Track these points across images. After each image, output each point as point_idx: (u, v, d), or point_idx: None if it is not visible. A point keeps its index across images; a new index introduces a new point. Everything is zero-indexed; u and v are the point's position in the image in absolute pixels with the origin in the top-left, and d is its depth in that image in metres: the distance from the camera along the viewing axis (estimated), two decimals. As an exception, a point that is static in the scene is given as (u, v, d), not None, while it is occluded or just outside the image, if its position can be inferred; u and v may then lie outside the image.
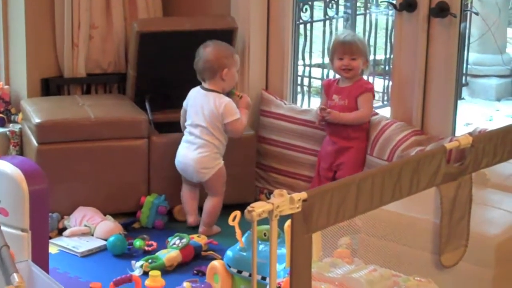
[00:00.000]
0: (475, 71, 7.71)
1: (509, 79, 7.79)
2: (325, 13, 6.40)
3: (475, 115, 7.02)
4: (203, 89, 4.30)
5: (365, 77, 4.45)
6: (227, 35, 4.56)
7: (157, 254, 3.93)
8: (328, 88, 4.41)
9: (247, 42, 4.75)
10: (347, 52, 4.27)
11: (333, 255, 2.81)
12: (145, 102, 4.69)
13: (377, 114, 4.45)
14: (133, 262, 3.87)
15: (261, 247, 3.36)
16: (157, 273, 3.50)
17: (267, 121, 4.71)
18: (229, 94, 4.31)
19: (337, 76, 4.42)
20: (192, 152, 4.26)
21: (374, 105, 6.52)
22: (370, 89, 4.32)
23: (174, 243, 3.97)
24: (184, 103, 4.37)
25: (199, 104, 4.28)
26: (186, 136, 4.31)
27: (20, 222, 3.32)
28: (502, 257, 3.23)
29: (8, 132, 4.68)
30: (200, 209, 4.36)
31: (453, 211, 2.80)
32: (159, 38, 4.59)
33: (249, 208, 2.13)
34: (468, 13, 6.68)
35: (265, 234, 3.39)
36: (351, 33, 4.53)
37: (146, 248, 4.05)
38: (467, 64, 7.39)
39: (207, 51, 4.26)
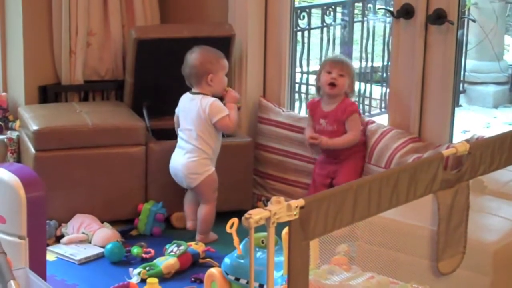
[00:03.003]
0: (473, 78, 7.71)
1: (507, 86, 7.80)
2: (323, 20, 6.41)
3: (473, 122, 7.03)
4: (191, 93, 4.31)
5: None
6: (224, 42, 4.56)
7: (154, 261, 3.93)
8: (313, 110, 4.40)
9: (245, 49, 4.75)
10: (337, 67, 4.28)
11: (330, 262, 2.81)
12: (142, 109, 4.69)
13: (373, 122, 4.45)
14: (130, 269, 3.87)
15: (258, 254, 3.36)
16: (155, 280, 3.50)
17: (265, 128, 4.71)
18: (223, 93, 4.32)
19: (321, 93, 4.37)
20: (182, 157, 4.26)
21: (372, 112, 6.60)
22: (355, 110, 4.31)
23: (172, 251, 3.97)
24: (176, 110, 4.37)
25: (187, 109, 4.29)
26: (178, 142, 4.32)
27: (17, 229, 3.32)
28: (499, 264, 3.23)
29: (5, 139, 4.68)
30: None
31: (450, 218, 2.80)
32: (157, 45, 4.59)
33: (246, 215, 2.13)
34: (466, 20, 6.70)
35: (262, 242, 3.39)
36: (343, 56, 4.57)
37: (144, 255, 4.05)
38: (464, 71, 7.40)
39: (192, 57, 4.27)
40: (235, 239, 3.31)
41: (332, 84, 4.27)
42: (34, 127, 4.33)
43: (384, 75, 6.88)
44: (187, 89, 4.34)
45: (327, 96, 4.32)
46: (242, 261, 3.48)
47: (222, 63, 4.29)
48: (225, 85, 4.30)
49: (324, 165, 4.37)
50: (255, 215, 2.13)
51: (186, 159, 4.24)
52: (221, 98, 4.32)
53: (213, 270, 3.61)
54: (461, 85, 7.37)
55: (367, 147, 4.32)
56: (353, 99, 4.54)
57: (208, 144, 4.24)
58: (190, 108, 4.27)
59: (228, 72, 4.49)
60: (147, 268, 3.86)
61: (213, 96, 4.28)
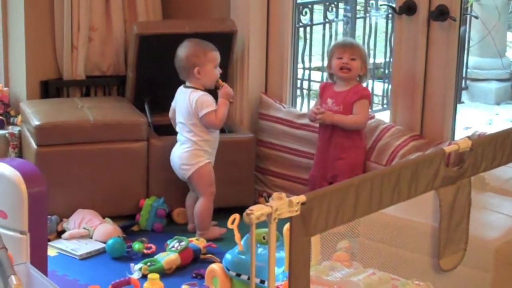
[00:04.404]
0: (475, 75, 7.69)
1: (509, 83, 7.78)
2: (325, 16, 6.40)
3: (475, 119, 7.02)
4: (184, 87, 4.32)
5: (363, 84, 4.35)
6: (226, 38, 4.56)
7: (156, 257, 3.93)
8: (323, 91, 4.31)
9: (247, 45, 4.75)
10: (347, 51, 4.17)
11: (332, 258, 2.80)
12: (144, 105, 4.69)
13: (373, 117, 4.43)
14: (132, 265, 3.87)
15: (260, 250, 3.36)
16: (156, 276, 3.50)
17: (266, 125, 4.70)
18: (216, 85, 4.29)
19: (335, 79, 4.29)
20: (178, 149, 4.29)
21: (374, 109, 6.58)
22: (367, 96, 4.22)
23: (173, 246, 3.97)
24: (172, 103, 4.38)
25: (180, 102, 4.31)
26: (177, 134, 4.35)
27: (19, 224, 3.32)
28: (501, 261, 3.23)
29: (7, 134, 4.68)
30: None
31: (452, 214, 2.79)
32: (159, 41, 4.59)
33: (247, 211, 2.13)
34: (468, 16, 6.68)
35: (264, 237, 3.39)
36: (351, 38, 4.50)
37: (145, 251, 4.05)
38: (466, 67, 7.38)
39: (180, 51, 4.29)
40: (237, 235, 3.31)
41: (345, 68, 4.17)
42: (35, 122, 4.33)
43: (386, 71, 6.87)
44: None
45: (340, 80, 4.23)
46: (243, 257, 3.48)
47: (209, 55, 4.27)
48: (215, 78, 4.27)
49: (321, 169, 4.29)
50: (257, 211, 2.12)
51: (181, 150, 4.27)
52: (210, 91, 4.31)
53: (214, 266, 3.61)
54: (463, 81, 7.35)
55: (367, 145, 4.29)
56: (368, 80, 4.42)
57: (200, 136, 4.24)
58: (181, 102, 4.29)
59: (230, 67, 4.49)
60: (148, 263, 3.86)
61: (205, 88, 4.28)
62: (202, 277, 3.78)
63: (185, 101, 4.26)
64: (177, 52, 4.30)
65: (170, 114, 4.40)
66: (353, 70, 4.19)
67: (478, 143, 2.80)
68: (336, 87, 4.27)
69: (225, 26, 4.66)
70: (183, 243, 3.96)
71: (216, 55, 4.30)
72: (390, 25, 6.58)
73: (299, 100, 6.12)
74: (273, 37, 4.80)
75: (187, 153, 4.25)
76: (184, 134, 4.27)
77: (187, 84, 4.31)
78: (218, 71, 4.30)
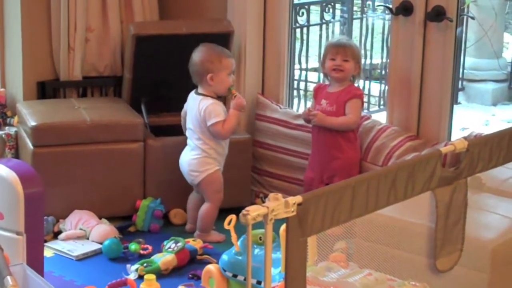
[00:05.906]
0: (471, 76, 7.70)
1: (505, 84, 7.79)
2: (322, 17, 6.40)
3: (471, 120, 7.02)
4: (195, 93, 4.30)
5: (356, 84, 4.35)
6: (223, 39, 4.55)
7: (152, 257, 3.93)
8: (317, 92, 4.32)
9: (243, 45, 4.75)
10: (340, 52, 4.17)
11: (328, 259, 2.80)
12: (141, 105, 4.69)
13: (369, 118, 4.43)
14: (128, 265, 3.87)
15: (256, 251, 3.36)
16: (152, 277, 3.50)
17: (263, 125, 4.70)
18: (228, 93, 4.28)
19: (329, 78, 4.29)
20: (187, 154, 4.28)
21: (371, 110, 6.58)
22: (359, 95, 4.22)
23: (170, 247, 3.97)
24: (185, 105, 4.37)
25: (190, 108, 4.29)
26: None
27: (15, 225, 3.32)
28: (497, 262, 3.23)
29: (3, 135, 4.67)
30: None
31: (448, 215, 2.79)
32: (155, 42, 4.59)
33: (244, 211, 2.13)
34: (465, 17, 6.68)
35: (260, 238, 3.39)
36: (345, 37, 4.55)
37: (142, 251, 4.05)
38: (463, 68, 7.39)
39: (195, 55, 4.26)
40: (233, 235, 3.31)
41: (337, 69, 4.17)
42: (32, 123, 4.33)
43: (383, 72, 6.87)
44: (186, 85, 4.34)
45: (334, 81, 4.23)
46: (239, 257, 3.48)
47: (224, 62, 4.23)
48: (228, 85, 4.23)
49: (316, 170, 4.28)
50: (253, 211, 2.12)
51: (190, 156, 4.26)
52: (222, 98, 4.31)
53: (210, 267, 3.61)
54: (460, 82, 7.36)
55: (363, 145, 4.29)
56: (362, 80, 4.43)
57: (208, 144, 4.23)
58: (192, 108, 4.28)
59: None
60: (145, 264, 3.86)
61: (217, 95, 4.27)
62: (198, 278, 3.78)
63: (195, 108, 4.24)
64: (192, 55, 4.26)
65: (182, 113, 4.38)
66: (346, 71, 4.19)
67: (475, 143, 2.81)
68: (329, 88, 4.27)
69: (221, 26, 4.65)
70: (179, 244, 3.96)
71: (231, 62, 4.26)
72: (387, 25, 6.59)
73: (295, 101, 6.12)
74: (269, 38, 4.80)
75: (196, 160, 4.23)
76: (193, 141, 4.25)
77: (199, 90, 4.28)
78: (232, 78, 4.27)
